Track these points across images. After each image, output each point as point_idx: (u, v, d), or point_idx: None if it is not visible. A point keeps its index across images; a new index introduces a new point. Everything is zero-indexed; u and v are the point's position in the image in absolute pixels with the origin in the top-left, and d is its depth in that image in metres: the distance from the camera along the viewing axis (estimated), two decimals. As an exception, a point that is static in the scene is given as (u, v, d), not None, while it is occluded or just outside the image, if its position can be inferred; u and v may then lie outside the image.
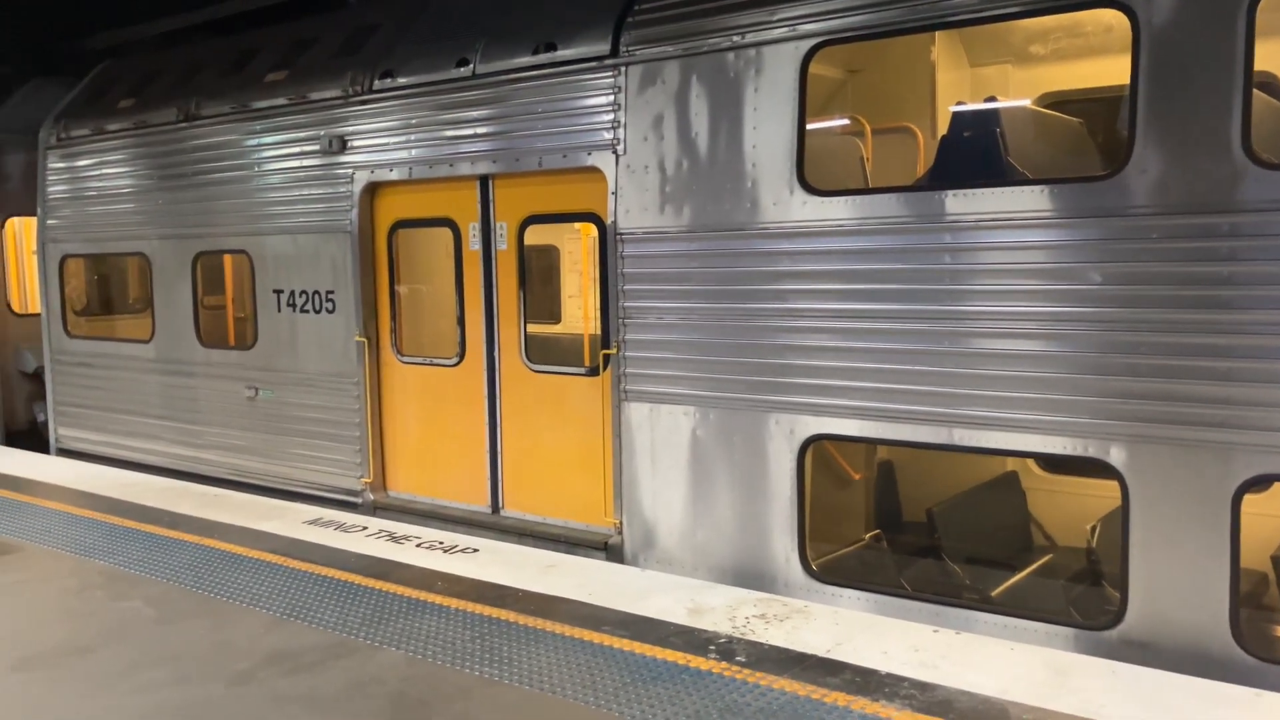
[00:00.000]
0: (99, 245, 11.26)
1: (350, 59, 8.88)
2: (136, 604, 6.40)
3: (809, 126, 6.47)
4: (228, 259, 10.32)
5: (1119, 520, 5.45)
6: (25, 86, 13.37)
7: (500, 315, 8.13)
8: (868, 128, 7.90)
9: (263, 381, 9.61)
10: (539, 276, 10.73)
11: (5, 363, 13.07)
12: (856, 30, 6.23)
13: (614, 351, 7.27)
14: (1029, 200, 5.58)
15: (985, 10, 5.74)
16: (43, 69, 13.58)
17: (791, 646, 5.39)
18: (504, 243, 8.04)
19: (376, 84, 8.54)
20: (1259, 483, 5.09)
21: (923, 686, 4.88)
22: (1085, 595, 6.45)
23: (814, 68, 6.50)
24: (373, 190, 8.67)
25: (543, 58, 7.55)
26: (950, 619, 5.92)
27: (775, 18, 6.45)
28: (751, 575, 6.71)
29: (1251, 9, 4.94)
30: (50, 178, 11.55)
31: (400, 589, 6.49)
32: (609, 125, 7.21)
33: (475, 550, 7.23)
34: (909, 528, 7.46)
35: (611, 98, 7.20)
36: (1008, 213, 5.64)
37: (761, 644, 5.44)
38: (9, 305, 13.11)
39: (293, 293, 9.25)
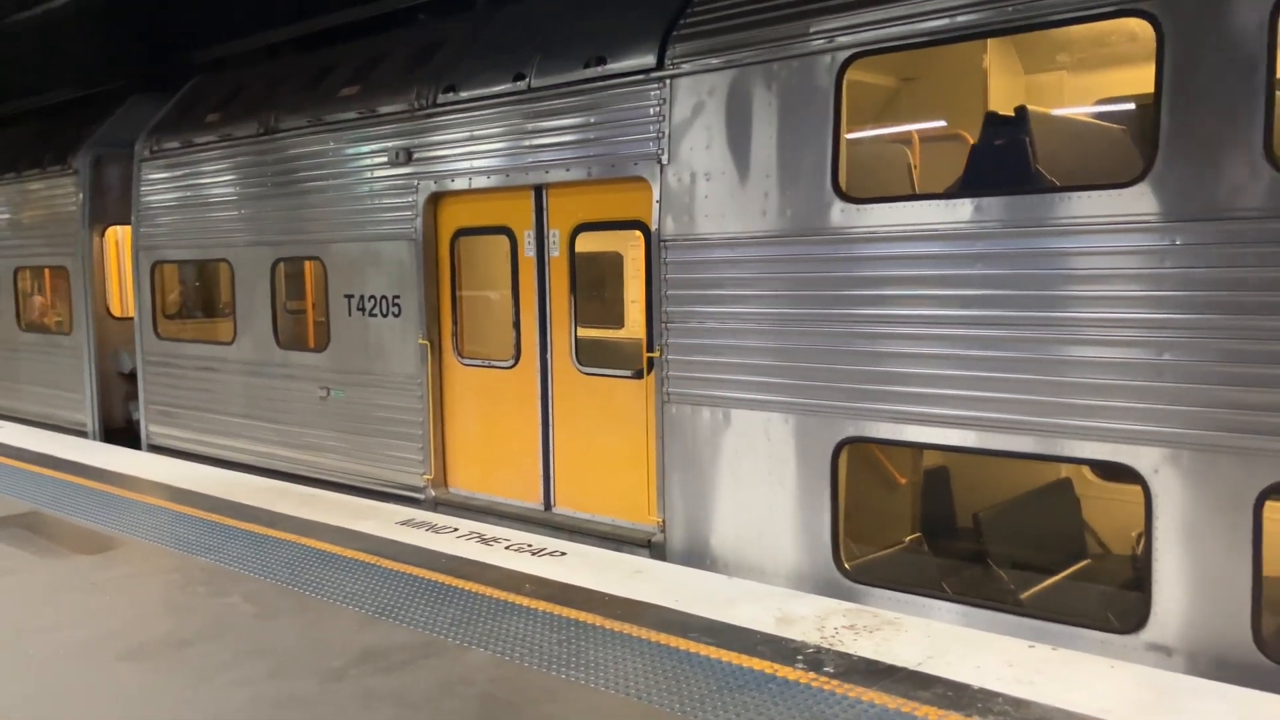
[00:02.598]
0: (186, 252, 11.90)
1: (416, 74, 9.29)
2: (235, 600, 6.59)
3: (847, 135, 6.62)
4: (305, 265, 10.83)
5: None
6: (125, 104, 14.14)
7: (553, 319, 8.42)
8: (916, 136, 8.01)
9: (334, 382, 10.06)
10: (604, 282, 11.03)
11: (105, 364, 13.83)
12: (891, 41, 6.36)
13: (657, 355, 7.50)
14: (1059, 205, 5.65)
15: (1003, 23, 5.84)
16: (154, 83, 14.19)
17: (881, 658, 5.29)
18: (556, 249, 8.33)
19: (440, 98, 8.91)
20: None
21: (1017, 703, 4.74)
22: (1118, 599, 6.45)
23: (865, 76, 6.62)
24: (436, 200, 9.05)
25: (593, 71, 7.83)
26: (977, 620, 6.00)
27: (812, 30, 6.62)
28: (786, 574, 6.86)
29: None
30: (144, 188, 12.24)
31: (489, 590, 6.56)
32: (654, 136, 7.45)
33: (563, 554, 7.29)
34: (957, 532, 7.53)
35: (657, 109, 7.44)
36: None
37: (850, 655, 5.36)
38: (108, 309, 13.87)
39: (362, 297, 9.68)
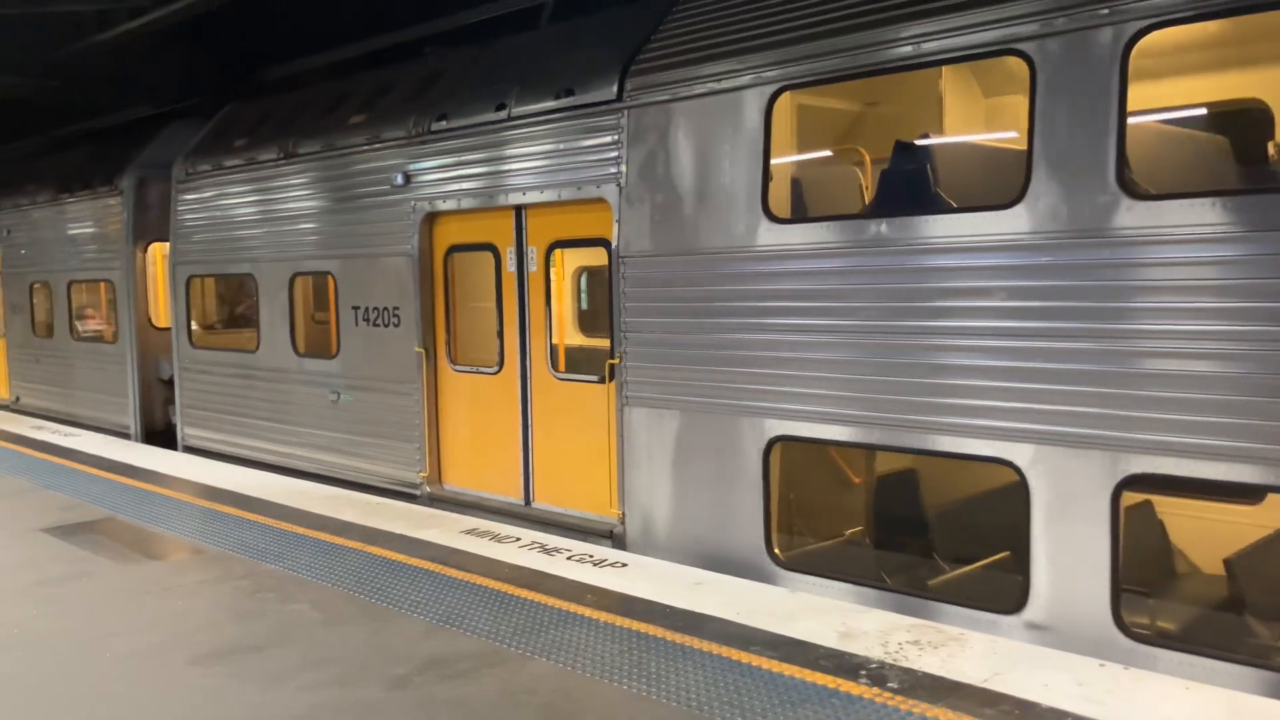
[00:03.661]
0: (217, 267, 12.86)
1: (415, 103, 10.12)
2: (303, 607, 6.69)
3: (774, 161, 7.28)
4: (325, 279, 11.71)
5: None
6: (166, 129, 15.22)
7: (532, 329, 9.16)
8: (867, 157, 8.62)
9: (343, 387, 10.91)
10: (592, 295, 11.78)
11: (146, 371, 14.88)
12: (812, 76, 7.01)
13: (617, 361, 8.20)
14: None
15: (900, 61, 6.47)
16: (225, 101, 14.63)
17: (947, 675, 5.22)
18: (534, 265, 9.08)
19: (434, 126, 9.73)
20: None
21: None
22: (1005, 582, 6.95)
23: (829, 102, 7.22)
24: (431, 219, 9.86)
25: (563, 102, 8.57)
26: (872, 598, 6.61)
27: (744, 66, 7.30)
28: (727, 562, 7.51)
29: None
30: (180, 208, 13.24)
31: (551, 600, 6.61)
32: (614, 161, 8.17)
33: (624, 565, 7.37)
34: (895, 528, 8.11)
35: (616, 137, 8.16)
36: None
37: (915, 671, 5.30)
38: (150, 320, 14.92)
39: (367, 309, 10.52)
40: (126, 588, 7.22)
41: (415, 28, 13.09)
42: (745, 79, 7.30)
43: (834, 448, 7.83)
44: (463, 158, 9.49)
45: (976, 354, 6.20)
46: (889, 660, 5.45)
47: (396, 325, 10.22)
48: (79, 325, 16.36)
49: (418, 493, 10.10)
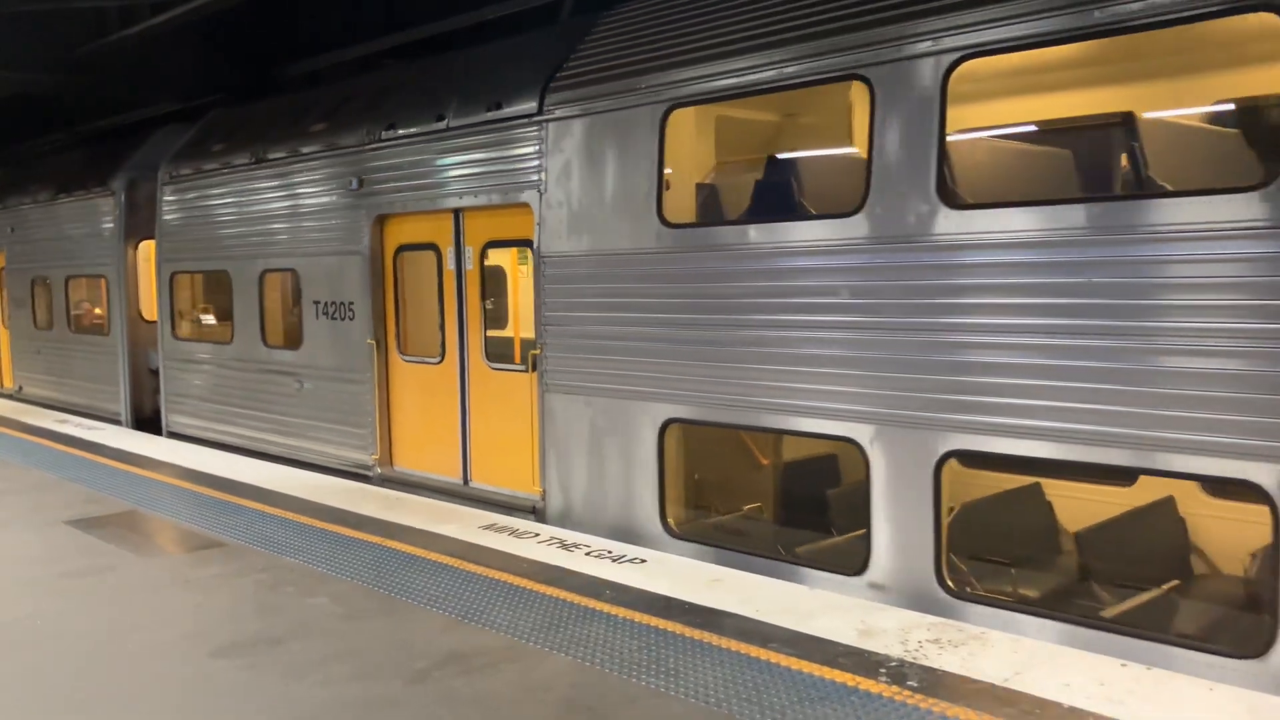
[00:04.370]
0: (197, 264, 13.75)
1: (369, 113, 10.95)
2: (323, 600, 6.72)
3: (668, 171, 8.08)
4: (287, 276, 12.56)
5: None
6: (158, 132, 16.12)
7: (469, 322, 9.98)
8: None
9: (306, 376, 11.76)
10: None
11: (136, 361, 15.79)
12: (697, 96, 7.80)
13: (538, 352, 9.01)
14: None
15: (768, 83, 7.25)
16: (251, 93, 15.21)
17: (967, 673, 5.20)
18: (470, 263, 9.90)
19: (383, 134, 10.56)
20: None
21: None
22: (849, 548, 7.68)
23: (748, 114, 7.99)
24: (381, 221, 10.70)
25: (493, 114, 9.38)
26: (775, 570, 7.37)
27: (641, 86, 8.09)
28: (629, 531, 8.31)
29: None
30: (165, 208, 14.13)
31: (570, 596, 6.63)
32: (536, 169, 8.97)
33: (643, 561, 7.39)
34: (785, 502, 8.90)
35: (538, 147, 8.96)
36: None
37: (935, 669, 5.28)
38: (140, 313, 15.82)
39: (326, 303, 11.37)
40: (148, 581, 7.30)
41: (434, 24, 13.18)
42: (643, 97, 8.09)
43: (747, 435, 8.63)
44: (408, 163, 10.32)
45: (827, 345, 6.98)
46: (909, 658, 5.42)
47: (352, 319, 11.06)
48: (76, 318, 17.30)
49: (370, 474, 10.94)
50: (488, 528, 8.39)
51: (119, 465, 11.55)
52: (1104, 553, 7.26)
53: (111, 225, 15.73)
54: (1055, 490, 7.58)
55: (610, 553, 7.59)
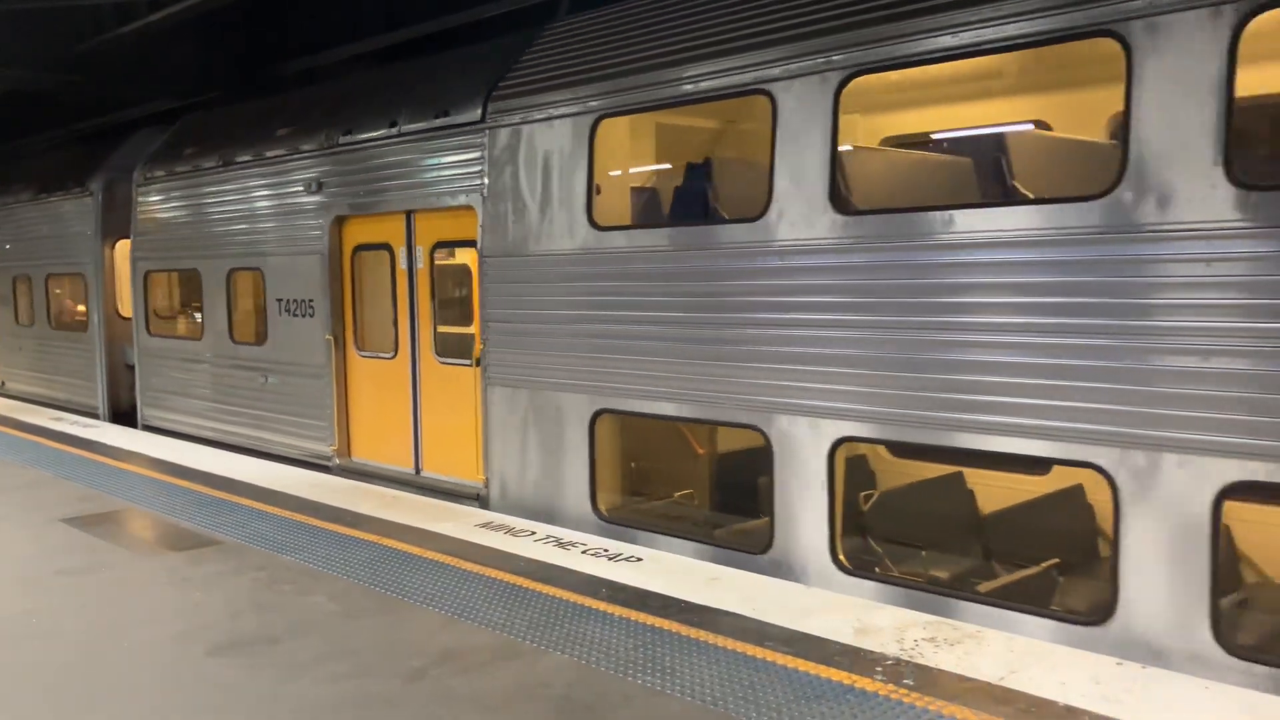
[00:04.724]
0: (170, 263, 14.24)
1: (329, 119, 11.45)
2: (320, 599, 6.73)
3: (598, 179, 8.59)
4: (254, 274, 13.05)
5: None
6: (135, 135, 16.59)
7: (420, 319, 10.49)
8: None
9: (270, 370, 12.26)
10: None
11: (113, 357, 16.28)
12: (624, 106, 8.31)
13: (481, 347, 9.52)
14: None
15: (682, 96, 7.76)
16: (249, 91, 15.44)
17: (963, 672, 5.22)
18: (421, 263, 10.40)
19: (341, 139, 11.06)
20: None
21: None
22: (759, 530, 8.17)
23: (692, 121, 8.51)
24: (339, 222, 11.20)
25: (440, 121, 9.89)
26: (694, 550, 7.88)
27: (574, 97, 8.59)
28: (565, 516, 8.82)
29: None
30: (139, 209, 14.62)
31: (566, 594, 6.65)
32: (479, 174, 9.48)
33: (639, 559, 7.40)
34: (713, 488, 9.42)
35: (481, 154, 9.47)
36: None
37: (931, 668, 5.30)
38: (117, 310, 16.30)
39: (288, 301, 11.87)
40: (144, 578, 7.32)
41: (432, 22, 13.35)
42: (574, 108, 8.59)
43: (683, 426, 9.14)
44: (363, 167, 10.82)
45: (742, 342, 7.49)
46: (905, 657, 5.45)
47: (312, 316, 11.56)
48: (56, 315, 17.78)
49: (330, 464, 11.44)
50: (483, 526, 8.44)
51: (113, 462, 11.62)
52: (1003, 535, 7.78)
53: (90, 224, 16.21)
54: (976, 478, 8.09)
55: (606, 551, 7.63)
